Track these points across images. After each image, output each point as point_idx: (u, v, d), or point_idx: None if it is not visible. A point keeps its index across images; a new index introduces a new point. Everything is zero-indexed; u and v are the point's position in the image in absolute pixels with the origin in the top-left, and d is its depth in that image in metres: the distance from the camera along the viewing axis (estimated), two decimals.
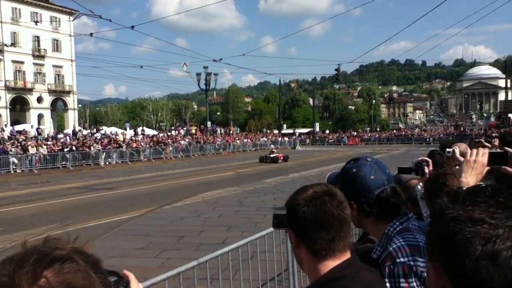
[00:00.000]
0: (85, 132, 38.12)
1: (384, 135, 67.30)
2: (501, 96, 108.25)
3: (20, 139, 27.51)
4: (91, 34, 15.03)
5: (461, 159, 1.84)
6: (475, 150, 1.79)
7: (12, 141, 26.96)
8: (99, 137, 34.10)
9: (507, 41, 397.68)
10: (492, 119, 77.80)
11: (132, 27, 13.80)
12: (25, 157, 25.27)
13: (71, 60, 61.32)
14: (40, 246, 0.70)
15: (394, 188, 1.63)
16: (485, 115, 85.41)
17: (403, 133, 66.53)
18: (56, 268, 0.65)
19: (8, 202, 14.33)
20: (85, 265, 0.69)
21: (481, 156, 1.74)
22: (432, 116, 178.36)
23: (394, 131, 73.48)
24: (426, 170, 2.57)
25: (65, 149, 28.36)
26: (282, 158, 29.88)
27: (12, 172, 24.41)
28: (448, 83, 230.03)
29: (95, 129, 40.55)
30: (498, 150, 2.02)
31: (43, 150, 26.61)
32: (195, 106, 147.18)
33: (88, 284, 0.66)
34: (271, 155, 29.72)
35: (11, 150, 25.07)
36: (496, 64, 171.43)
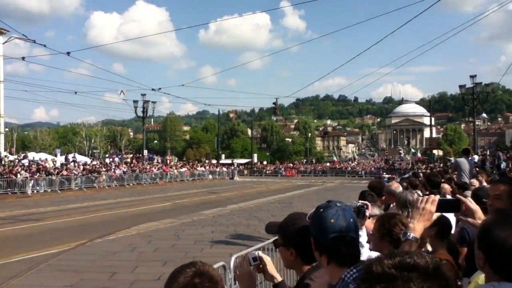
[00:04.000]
0: (11, 157, 35.89)
1: (319, 167, 69.21)
2: (426, 133, 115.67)
3: None
4: (23, 58, 14.33)
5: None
6: (425, 198, 1.91)
7: None
8: (27, 164, 32.20)
9: (430, 82, 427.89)
10: (419, 154, 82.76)
11: (68, 53, 13.38)
12: None
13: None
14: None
15: (352, 238, 1.71)
16: (412, 150, 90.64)
17: (337, 166, 68.82)
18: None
19: None
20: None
21: (430, 204, 1.86)
22: (364, 150, 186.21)
23: (328, 163, 75.76)
24: (367, 213, 2.69)
25: None
26: None
27: None
28: (379, 119, 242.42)
29: (22, 155, 38.24)
30: (449, 198, 2.17)
31: None
32: (131, 133, 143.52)
33: None
34: None
35: None
36: (421, 102, 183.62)
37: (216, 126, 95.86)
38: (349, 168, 64.26)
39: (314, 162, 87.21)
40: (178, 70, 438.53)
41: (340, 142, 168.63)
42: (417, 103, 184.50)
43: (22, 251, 10.53)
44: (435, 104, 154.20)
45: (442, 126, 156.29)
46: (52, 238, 12.50)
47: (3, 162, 31.40)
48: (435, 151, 52.70)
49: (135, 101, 41.98)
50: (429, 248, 3.04)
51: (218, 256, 8.05)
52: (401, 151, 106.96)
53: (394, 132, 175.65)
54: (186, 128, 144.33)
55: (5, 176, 27.29)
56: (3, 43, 10.17)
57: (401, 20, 15.97)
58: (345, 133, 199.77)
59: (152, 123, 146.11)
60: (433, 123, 56.22)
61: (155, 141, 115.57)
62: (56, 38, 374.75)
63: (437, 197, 1.93)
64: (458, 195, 2.24)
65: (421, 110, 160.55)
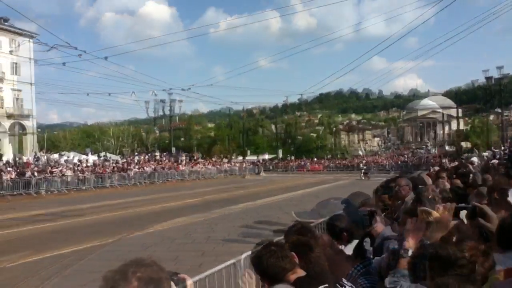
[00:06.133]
0: (45, 157, 37.35)
1: (344, 162, 69.06)
2: (454, 125, 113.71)
3: None
4: (63, 64, 15.27)
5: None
6: (414, 219, 2.24)
7: None
8: (62, 163, 33.59)
9: (452, 75, 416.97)
10: (446, 147, 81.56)
11: (106, 58, 14.22)
12: None
13: (31, 84, 60.15)
14: (133, 260, 1.36)
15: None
16: (439, 143, 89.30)
17: (363, 160, 68.51)
18: (144, 269, 1.31)
19: None
20: (158, 268, 1.35)
21: (447, 211, 2.20)
22: (389, 144, 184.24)
23: (355, 159, 75.33)
24: (373, 222, 3.07)
25: (27, 175, 27.89)
26: None
27: None
28: (404, 112, 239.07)
29: (57, 155, 39.79)
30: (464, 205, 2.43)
31: (7, 177, 26.04)
32: (157, 131, 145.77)
33: (160, 277, 1.33)
34: None
35: None
36: (448, 94, 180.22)
37: (240, 123, 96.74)
38: (374, 163, 63.90)
39: (339, 157, 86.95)
40: (196, 69, 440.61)
41: (365, 136, 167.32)
42: (443, 95, 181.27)
43: (69, 244, 11.38)
44: (462, 95, 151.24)
45: (469, 118, 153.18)
46: (95, 231, 13.37)
47: (41, 162, 32.79)
48: (463, 143, 52.09)
49: (162, 100, 43.00)
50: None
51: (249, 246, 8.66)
52: (428, 144, 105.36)
53: (421, 125, 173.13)
54: (210, 125, 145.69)
55: (44, 175, 28.61)
56: (47, 51, 10.81)
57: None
58: (370, 127, 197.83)
59: (177, 120, 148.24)
60: (460, 114, 55.47)
61: (181, 139, 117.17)
62: (80, 39, 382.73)
63: (453, 204, 2.25)
64: (474, 203, 2.50)
65: (448, 101, 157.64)
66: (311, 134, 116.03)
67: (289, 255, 2.16)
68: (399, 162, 60.44)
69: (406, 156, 78.07)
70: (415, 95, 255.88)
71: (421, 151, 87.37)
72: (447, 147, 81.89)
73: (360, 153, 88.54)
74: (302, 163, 66.59)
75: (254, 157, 71.44)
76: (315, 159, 73.78)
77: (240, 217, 16.04)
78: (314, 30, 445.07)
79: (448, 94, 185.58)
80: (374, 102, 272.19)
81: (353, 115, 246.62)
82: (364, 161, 65.37)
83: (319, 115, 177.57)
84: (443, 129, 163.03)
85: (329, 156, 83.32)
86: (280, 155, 72.30)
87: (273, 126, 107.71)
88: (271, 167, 62.82)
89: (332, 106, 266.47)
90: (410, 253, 2.11)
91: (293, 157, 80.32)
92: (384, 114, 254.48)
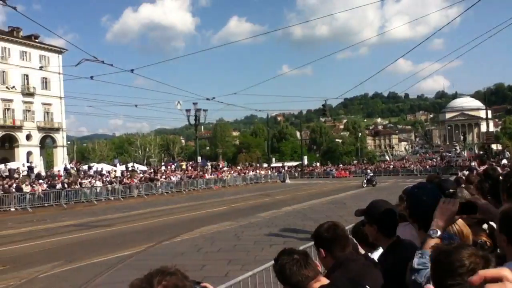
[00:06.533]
0: (75, 169, 38.25)
1: (371, 167, 68.25)
2: (483, 127, 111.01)
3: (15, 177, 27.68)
4: (91, 77, 15.67)
5: None
6: (447, 199, 2.24)
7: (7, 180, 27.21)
8: (92, 174, 34.33)
9: (480, 76, 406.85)
10: (476, 150, 79.68)
11: (132, 70, 14.52)
12: (19, 195, 25.46)
13: (60, 98, 61.86)
14: (158, 268, 1.40)
15: None
16: (468, 146, 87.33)
17: (391, 165, 67.59)
18: (169, 277, 1.34)
19: (8, 241, 14.55)
20: (182, 276, 1.39)
21: (452, 205, 2.16)
22: (417, 148, 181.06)
23: (382, 164, 74.28)
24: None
25: (57, 186, 28.63)
26: None
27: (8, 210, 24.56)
28: (432, 115, 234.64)
29: (86, 166, 40.71)
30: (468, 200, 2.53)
31: (38, 189, 26.80)
32: (183, 141, 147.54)
33: (185, 285, 1.37)
34: None
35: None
36: (476, 95, 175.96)
37: (264, 130, 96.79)
38: (402, 167, 62.96)
39: (365, 162, 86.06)
40: (218, 78, 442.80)
41: (392, 140, 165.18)
42: (472, 96, 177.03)
43: (99, 253, 11.60)
44: (491, 96, 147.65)
45: (500, 119, 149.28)
46: (123, 241, 13.59)
47: (70, 174, 33.59)
48: (493, 146, 50.77)
49: (188, 110, 43.38)
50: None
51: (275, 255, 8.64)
52: (457, 147, 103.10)
53: (449, 127, 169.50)
54: (235, 133, 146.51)
55: (73, 187, 29.30)
56: (75, 66, 11.06)
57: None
58: (397, 131, 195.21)
59: (202, 130, 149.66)
60: (490, 116, 54.20)
61: (207, 148, 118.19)
62: (102, 49, 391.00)
63: (458, 200, 2.24)
64: (473, 199, 2.55)
65: (477, 103, 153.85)
66: (336, 140, 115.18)
67: (312, 263, 2.17)
68: (427, 167, 59.35)
69: (434, 160, 76.55)
70: (443, 97, 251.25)
71: (450, 154, 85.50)
72: (476, 150, 79.99)
73: (387, 158, 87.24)
74: (328, 169, 66.14)
75: (279, 164, 71.35)
76: (341, 165, 73.21)
77: (266, 225, 16.02)
78: (337, 35, 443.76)
79: (476, 95, 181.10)
80: (400, 106, 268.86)
81: (378, 119, 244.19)
82: (371, 167, 64.58)
83: (344, 121, 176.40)
84: (473, 131, 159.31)
85: (355, 162, 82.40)
86: (306, 162, 71.98)
87: (298, 133, 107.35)
88: (296, 174, 62.61)
89: (357, 110, 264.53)
90: (438, 234, 2.07)
91: (318, 164, 79.93)
92: (411, 117, 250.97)
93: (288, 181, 51.72)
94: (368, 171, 44.57)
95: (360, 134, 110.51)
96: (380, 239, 2.58)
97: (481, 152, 57.27)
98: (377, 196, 2.92)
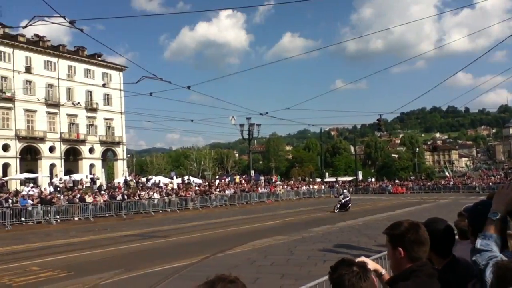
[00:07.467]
0: (134, 181, 39.77)
1: (429, 183, 65.75)
2: None
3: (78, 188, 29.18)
4: (150, 94, 16.39)
5: None
6: (507, 183, 2.28)
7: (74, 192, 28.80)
8: (150, 186, 35.52)
9: None
10: None
11: (189, 87, 15.03)
12: (82, 205, 26.83)
13: (121, 113, 64.76)
14: (219, 276, 1.46)
15: None
16: None
17: (450, 181, 64.81)
18: (230, 285, 1.40)
19: (72, 249, 15.34)
20: (242, 284, 1.45)
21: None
22: (479, 164, 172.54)
23: (442, 181, 71.29)
24: None
25: (117, 197, 29.87)
26: None
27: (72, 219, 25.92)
28: (494, 130, 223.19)
29: (145, 179, 42.21)
30: None
31: (100, 200, 28.11)
32: (236, 155, 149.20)
33: None
34: None
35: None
36: None
37: (317, 145, 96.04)
38: (463, 184, 60.18)
39: (423, 178, 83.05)
40: (272, 93, 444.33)
41: (451, 156, 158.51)
42: None
43: (156, 263, 11.95)
44: None
45: None
46: (179, 252, 13.93)
47: (130, 186, 34.95)
48: None
49: (241, 125, 44.00)
50: None
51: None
52: None
53: None
54: (288, 147, 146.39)
55: (132, 198, 30.45)
56: (136, 82, 11.64)
57: None
58: (457, 146, 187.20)
59: (255, 144, 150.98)
60: None
61: (260, 162, 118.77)
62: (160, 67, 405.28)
63: None
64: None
65: None
66: (392, 155, 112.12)
67: (370, 277, 2.17)
68: (490, 184, 56.32)
69: (498, 176, 72.56)
70: (506, 111, 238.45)
71: None
72: None
73: (447, 174, 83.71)
74: (384, 185, 64.45)
75: (332, 179, 70.41)
76: (397, 181, 71.11)
77: (320, 240, 15.87)
78: (393, 48, 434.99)
79: None
80: (460, 120, 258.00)
81: (437, 134, 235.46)
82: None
83: (401, 135, 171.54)
84: None
85: (412, 178, 79.72)
86: (360, 177, 70.58)
87: (352, 148, 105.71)
88: (350, 189, 61.51)
89: (414, 125, 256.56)
90: (498, 216, 2.10)
91: (373, 179, 78.12)
92: (472, 132, 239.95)
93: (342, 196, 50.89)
94: (345, 191, 34.82)
95: (417, 149, 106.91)
96: (434, 258, 2.54)
97: None
98: (437, 214, 2.87)
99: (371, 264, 2.44)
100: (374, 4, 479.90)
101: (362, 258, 2.22)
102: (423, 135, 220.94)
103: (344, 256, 2.15)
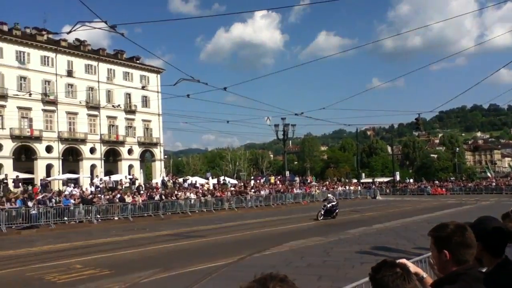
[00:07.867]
0: (171, 182, 40.53)
1: (470, 184, 63.74)
2: None
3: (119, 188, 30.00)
4: (188, 96, 16.68)
5: None
6: None
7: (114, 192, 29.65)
8: (186, 187, 36.08)
9: None
10: None
11: (225, 88, 15.20)
12: (122, 205, 27.56)
13: (158, 115, 66.05)
14: (269, 273, 1.43)
15: None
16: None
17: (493, 182, 62.60)
18: (282, 284, 1.37)
19: (112, 247, 15.79)
20: (292, 283, 1.41)
21: None
22: None
23: (484, 182, 68.96)
24: None
25: (155, 198, 30.52)
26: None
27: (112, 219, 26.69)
28: None
29: (182, 179, 42.92)
30: None
31: (138, 200, 28.81)
32: (271, 155, 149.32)
33: None
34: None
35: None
36: None
37: (353, 145, 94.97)
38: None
39: (464, 179, 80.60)
40: (307, 93, 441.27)
41: (494, 156, 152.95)
42: None
43: (194, 263, 12.14)
44: None
45: None
46: (216, 252, 14.09)
47: (167, 186, 35.62)
48: None
49: (276, 125, 44.02)
50: None
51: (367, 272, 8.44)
52: None
53: None
54: (323, 148, 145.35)
55: (169, 198, 31.03)
56: (174, 84, 11.89)
57: None
58: (499, 146, 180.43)
59: (290, 144, 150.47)
60: None
61: (295, 162, 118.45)
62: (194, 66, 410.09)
63: None
64: None
65: None
66: (431, 155, 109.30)
67: (413, 279, 2.15)
68: None
69: None
70: None
71: None
72: None
73: (489, 174, 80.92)
74: (422, 186, 62.95)
75: (369, 180, 69.35)
76: (437, 181, 69.31)
77: (357, 242, 15.68)
78: (431, 45, 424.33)
79: None
80: (502, 119, 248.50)
81: (478, 133, 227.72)
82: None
83: (440, 135, 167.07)
84: None
85: (452, 179, 77.48)
86: (398, 178, 69.19)
87: (389, 148, 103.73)
88: (387, 190, 60.44)
89: (454, 124, 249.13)
90: None
91: (411, 180, 76.44)
92: None
93: (379, 197, 50.11)
94: (329, 195, 28.12)
95: (458, 148, 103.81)
96: (485, 257, 2.48)
97: None
98: (479, 216, 2.79)
99: (412, 267, 2.38)
100: (412, 0, 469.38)
101: (403, 260, 2.19)
102: (463, 134, 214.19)
103: (385, 258, 2.12)
